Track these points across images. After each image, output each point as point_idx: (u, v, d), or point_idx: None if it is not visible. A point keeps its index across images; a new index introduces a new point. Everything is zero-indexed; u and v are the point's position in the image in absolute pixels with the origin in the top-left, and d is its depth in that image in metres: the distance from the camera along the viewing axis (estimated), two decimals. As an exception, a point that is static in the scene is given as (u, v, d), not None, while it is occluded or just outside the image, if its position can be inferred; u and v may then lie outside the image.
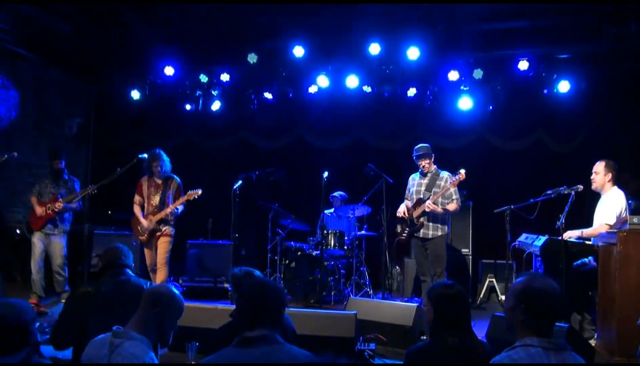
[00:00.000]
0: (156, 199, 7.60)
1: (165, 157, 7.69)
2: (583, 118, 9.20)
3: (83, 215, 8.43)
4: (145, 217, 7.58)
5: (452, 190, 7.16)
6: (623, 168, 6.56)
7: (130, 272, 4.32)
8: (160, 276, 7.50)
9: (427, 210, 7.10)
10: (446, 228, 7.33)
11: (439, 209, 7.12)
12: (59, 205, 7.69)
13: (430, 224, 7.24)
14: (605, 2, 7.55)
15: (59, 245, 7.88)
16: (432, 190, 7.26)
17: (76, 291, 4.24)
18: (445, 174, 7.31)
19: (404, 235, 7.45)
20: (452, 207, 7.18)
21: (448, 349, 3.13)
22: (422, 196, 7.29)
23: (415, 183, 7.52)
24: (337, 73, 9.35)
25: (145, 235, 7.54)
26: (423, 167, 7.37)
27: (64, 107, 10.62)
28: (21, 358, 2.81)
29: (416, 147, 7.46)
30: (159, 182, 7.68)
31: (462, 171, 7.01)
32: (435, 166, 7.45)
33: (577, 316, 6.14)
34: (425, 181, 7.39)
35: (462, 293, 3.27)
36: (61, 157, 7.98)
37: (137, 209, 7.69)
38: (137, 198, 7.73)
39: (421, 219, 7.25)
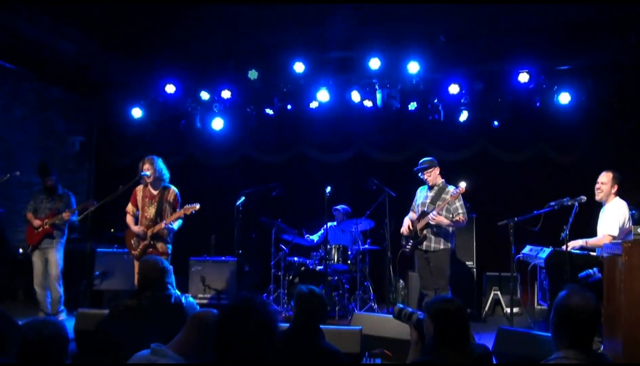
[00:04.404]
0: (151, 211, 7.13)
1: (160, 163, 7.20)
2: (584, 129, 9.20)
3: (85, 233, 8.42)
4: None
5: (458, 203, 7.08)
6: (625, 179, 6.55)
7: (172, 289, 4.37)
8: None
9: (431, 222, 7.05)
10: (450, 243, 7.21)
11: (445, 221, 7.04)
12: (66, 215, 7.67)
13: (433, 237, 7.16)
14: (605, 13, 7.58)
15: (54, 258, 7.85)
16: (437, 203, 7.21)
17: (119, 303, 4.38)
18: (451, 188, 7.22)
19: (407, 247, 7.40)
20: (460, 218, 7.08)
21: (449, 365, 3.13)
22: (426, 209, 7.25)
23: (422, 195, 7.46)
24: (337, 88, 9.37)
25: (139, 250, 7.09)
26: (426, 179, 7.35)
27: (66, 126, 10.66)
28: None
29: (420, 161, 7.44)
30: (155, 192, 7.20)
31: (462, 184, 6.95)
32: (443, 180, 7.35)
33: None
34: (432, 194, 7.31)
35: (462, 308, 3.25)
36: (51, 174, 7.97)
37: (130, 219, 7.25)
38: (130, 207, 7.28)
39: (424, 231, 7.20)
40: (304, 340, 3.81)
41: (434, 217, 7.00)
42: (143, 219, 7.18)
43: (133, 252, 7.22)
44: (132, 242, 7.20)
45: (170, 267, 4.54)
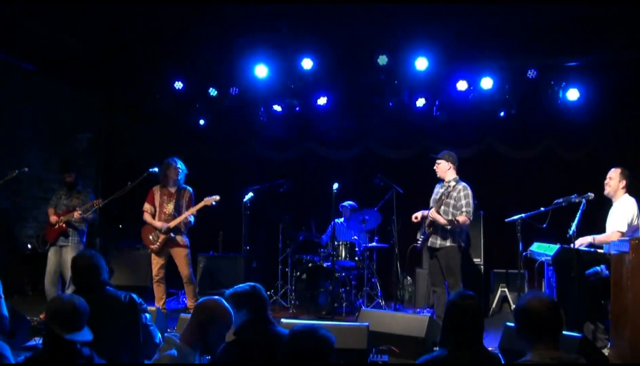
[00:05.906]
0: (170, 207, 7.51)
1: (182, 165, 7.64)
2: (592, 126, 9.15)
3: (94, 228, 8.43)
4: None
5: (464, 201, 6.94)
6: (634, 176, 6.52)
7: (106, 287, 4.20)
8: (190, 290, 7.53)
9: (429, 219, 6.99)
10: (458, 240, 7.02)
11: (441, 220, 6.86)
12: (77, 214, 7.68)
13: (439, 234, 7.03)
14: (613, 9, 7.54)
15: (68, 259, 7.85)
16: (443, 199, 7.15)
17: None
18: (461, 185, 7.04)
19: (418, 241, 7.31)
20: (461, 218, 6.84)
21: (458, 363, 3.10)
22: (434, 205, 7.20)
23: (436, 191, 7.32)
24: (345, 84, 9.37)
25: (158, 244, 7.41)
26: (435, 169, 7.25)
27: (74, 122, 10.68)
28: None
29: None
30: (172, 190, 7.59)
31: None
32: (455, 177, 7.14)
33: (590, 326, 6.08)
34: (442, 190, 7.14)
35: (477, 306, 3.21)
36: (71, 170, 7.96)
37: (148, 217, 7.55)
38: (147, 206, 7.60)
39: (430, 228, 7.11)
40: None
41: (429, 214, 6.94)
42: (161, 215, 7.53)
43: (152, 247, 7.48)
44: (151, 236, 7.49)
45: (103, 263, 4.26)
